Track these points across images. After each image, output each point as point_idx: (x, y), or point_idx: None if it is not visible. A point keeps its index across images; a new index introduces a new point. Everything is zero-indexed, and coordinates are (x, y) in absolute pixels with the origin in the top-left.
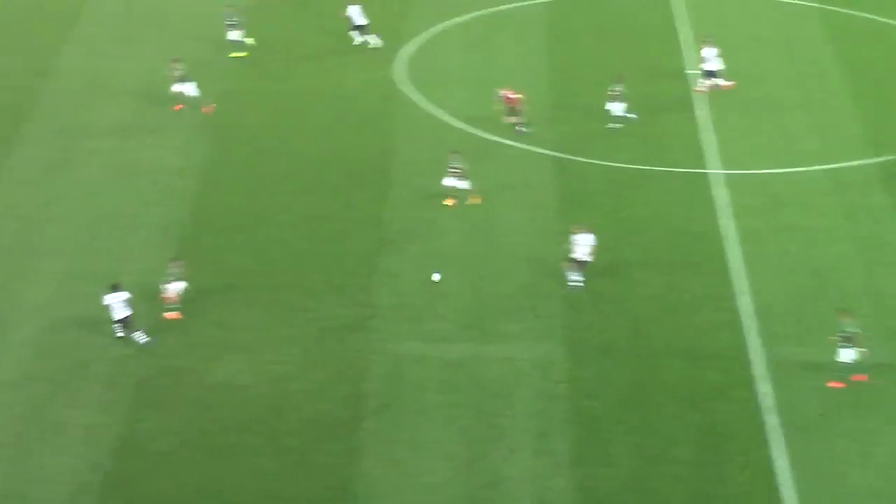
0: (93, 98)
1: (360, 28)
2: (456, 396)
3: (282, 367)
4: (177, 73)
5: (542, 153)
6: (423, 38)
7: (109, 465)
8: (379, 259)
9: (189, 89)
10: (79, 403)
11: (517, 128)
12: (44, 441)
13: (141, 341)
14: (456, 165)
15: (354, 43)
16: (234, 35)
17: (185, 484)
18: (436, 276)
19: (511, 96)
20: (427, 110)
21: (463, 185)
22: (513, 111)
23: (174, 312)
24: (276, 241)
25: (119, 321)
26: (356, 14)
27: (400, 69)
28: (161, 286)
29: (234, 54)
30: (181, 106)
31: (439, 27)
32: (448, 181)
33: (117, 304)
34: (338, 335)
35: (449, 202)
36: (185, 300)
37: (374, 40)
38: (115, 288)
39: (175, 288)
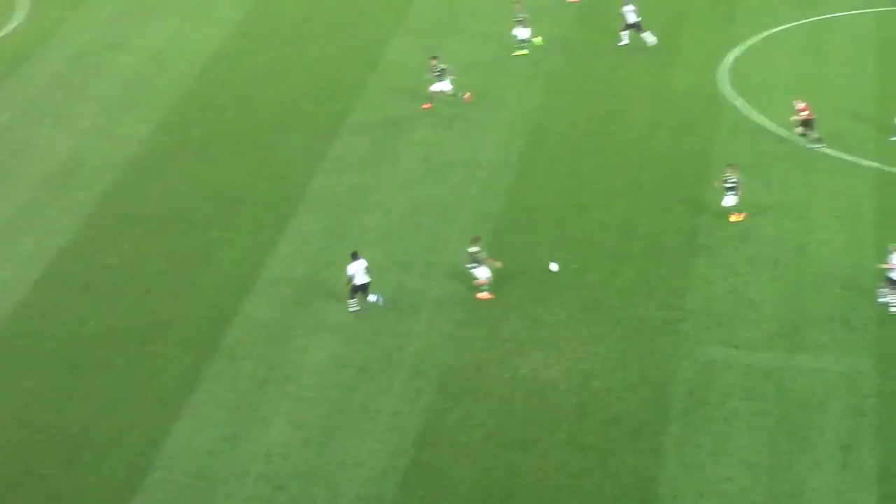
0: (415, 91)
1: (632, 27)
2: (761, 405)
3: (588, 366)
4: (436, 72)
5: (864, 164)
6: (751, 43)
7: (412, 452)
8: (692, 263)
9: (445, 86)
10: (385, 390)
11: (810, 140)
12: (350, 425)
13: (371, 300)
14: (732, 179)
15: (621, 43)
16: (521, 33)
17: (486, 475)
18: (554, 267)
19: (804, 108)
20: (749, 116)
21: (733, 200)
22: (807, 123)
23: (486, 293)
24: (588, 239)
25: (359, 288)
26: (629, 13)
27: (725, 74)
28: (471, 270)
29: (517, 52)
30: (429, 105)
31: (767, 33)
32: (727, 199)
33: (359, 273)
34: (646, 337)
35: (736, 217)
36: (497, 293)
37: (650, 38)
38: (354, 257)
39: (483, 273)
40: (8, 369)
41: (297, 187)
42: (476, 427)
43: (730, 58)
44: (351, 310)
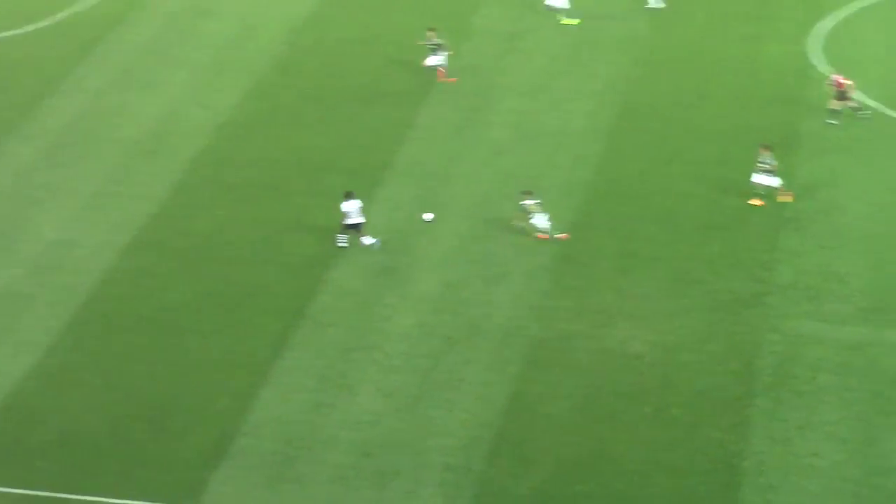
0: (506, 59)
1: None
2: (851, 380)
3: (675, 338)
4: (431, 44)
5: None
6: (843, 14)
7: (499, 422)
8: (780, 236)
9: (439, 60)
10: (472, 360)
11: (855, 112)
12: (437, 395)
13: (367, 243)
14: (766, 161)
15: (647, 6)
16: (555, 1)
17: (572, 447)
18: (427, 217)
19: (841, 81)
20: None
21: (772, 182)
22: (842, 96)
23: (563, 234)
24: (677, 210)
25: (351, 227)
26: None
27: (816, 45)
28: (528, 223)
29: (565, 21)
30: (447, 76)
31: (860, 4)
32: (757, 178)
33: (353, 212)
34: (733, 309)
35: (756, 202)
36: (585, 264)
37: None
38: (348, 196)
39: (541, 222)
40: (97, 334)
41: (385, 155)
42: (562, 399)
43: (821, 29)
44: (339, 244)
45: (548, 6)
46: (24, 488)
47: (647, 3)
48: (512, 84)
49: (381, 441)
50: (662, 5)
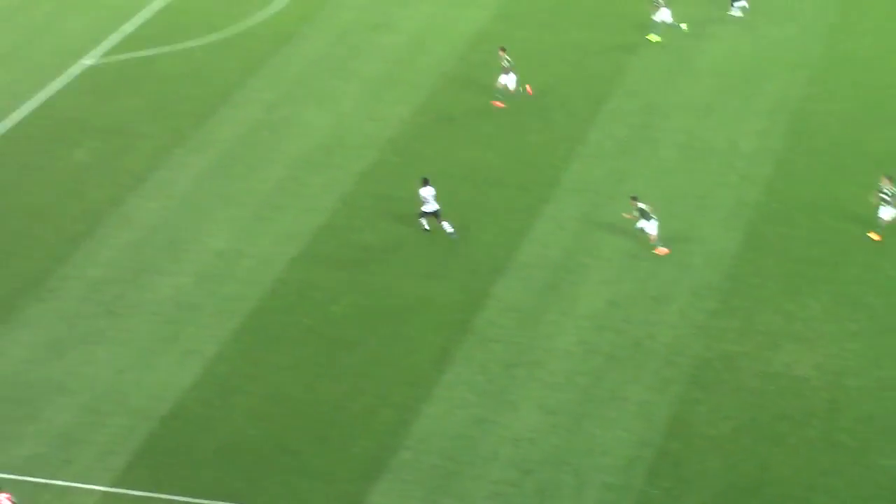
0: (676, 76)
1: None
2: None
3: (842, 362)
4: (504, 64)
5: None
6: None
7: (660, 442)
8: None
9: (511, 81)
10: (635, 379)
11: None
12: (598, 413)
13: (448, 231)
14: (887, 191)
15: (730, 13)
16: (659, 16)
17: (735, 469)
18: (448, 227)
19: None
20: None
21: (888, 214)
22: None
23: (663, 249)
24: (846, 233)
25: (427, 213)
26: None
27: None
28: (638, 227)
29: (650, 37)
30: (501, 104)
31: None
32: (883, 212)
33: (429, 198)
34: None
35: (875, 236)
36: (750, 285)
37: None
38: (425, 182)
39: (652, 228)
40: (264, 344)
41: (553, 171)
42: (725, 420)
43: None
44: (424, 228)
45: (655, 21)
46: (189, 496)
47: (729, 10)
48: (681, 102)
49: (541, 458)
50: (740, 14)
